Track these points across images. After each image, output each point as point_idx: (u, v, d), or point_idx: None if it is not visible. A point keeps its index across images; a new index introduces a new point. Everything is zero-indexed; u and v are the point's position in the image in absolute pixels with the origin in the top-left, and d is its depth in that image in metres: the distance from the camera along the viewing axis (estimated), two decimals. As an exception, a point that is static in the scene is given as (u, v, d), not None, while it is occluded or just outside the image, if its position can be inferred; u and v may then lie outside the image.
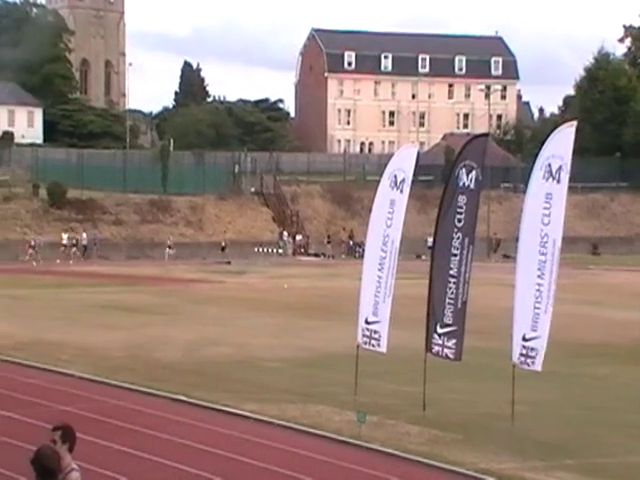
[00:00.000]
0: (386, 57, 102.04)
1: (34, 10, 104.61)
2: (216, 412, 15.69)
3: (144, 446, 13.30)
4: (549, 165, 14.35)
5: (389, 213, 16.41)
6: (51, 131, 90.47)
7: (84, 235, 59.55)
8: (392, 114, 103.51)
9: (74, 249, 57.35)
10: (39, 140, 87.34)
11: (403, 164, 16.69)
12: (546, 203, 14.26)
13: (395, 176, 16.50)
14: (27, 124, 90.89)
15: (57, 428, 7.30)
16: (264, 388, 17.61)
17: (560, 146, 14.49)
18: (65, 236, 58.03)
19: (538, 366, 14.18)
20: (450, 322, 15.25)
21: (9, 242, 57.12)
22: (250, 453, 13.06)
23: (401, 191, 16.41)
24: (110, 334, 24.47)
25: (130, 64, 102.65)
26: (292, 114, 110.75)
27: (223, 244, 60.54)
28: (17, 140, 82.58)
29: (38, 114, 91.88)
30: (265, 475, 12.25)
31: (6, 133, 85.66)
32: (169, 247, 58.86)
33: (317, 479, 12.01)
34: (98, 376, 18.47)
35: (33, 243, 55.74)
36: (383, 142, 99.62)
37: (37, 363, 19.88)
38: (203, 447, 13.39)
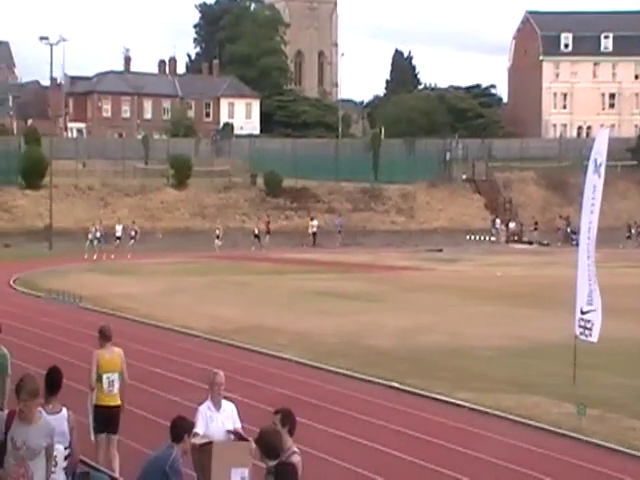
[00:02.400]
0: (606, 37, 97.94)
1: (252, 5, 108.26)
2: (429, 400, 15.62)
3: (359, 431, 13.42)
4: None
5: (592, 199, 16.05)
6: (267, 122, 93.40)
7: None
8: (612, 96, 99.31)
9: (132, 241, 50.87)
10: (256, 131, 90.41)
11: (600, 147, 16.29)
12: None
13: (595, 160, 16.09)
14: (245, 115, 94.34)
15: (278, 412, 7.47)
16: (478, 377, 17.36)
17: None
18: (119, 227, 51.20)
19: None
20: (677, 313, 14.48)
21: (229, 230, 59.42)
22: (464, 442, 12.90)
23: (599, 175, 15.97)
24: (325, 320, 24.93)
25: (342, 54, 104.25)
26: (504, 99, 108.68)
27: (256, 231, 57.21)
28: (236, 131, 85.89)
29: (255, 106, 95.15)
30: (481, 465, 12.05)
31: (226, 125, 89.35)
32: (217, 237, 55.03)
33: (538, 472, 11.68)
34: (313, 361, 18.84)
35: (98, 235, 48.33)
36: (602, 126, 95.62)
37: (256, 347, 20.53)
38: (417, 434, 13.36)
